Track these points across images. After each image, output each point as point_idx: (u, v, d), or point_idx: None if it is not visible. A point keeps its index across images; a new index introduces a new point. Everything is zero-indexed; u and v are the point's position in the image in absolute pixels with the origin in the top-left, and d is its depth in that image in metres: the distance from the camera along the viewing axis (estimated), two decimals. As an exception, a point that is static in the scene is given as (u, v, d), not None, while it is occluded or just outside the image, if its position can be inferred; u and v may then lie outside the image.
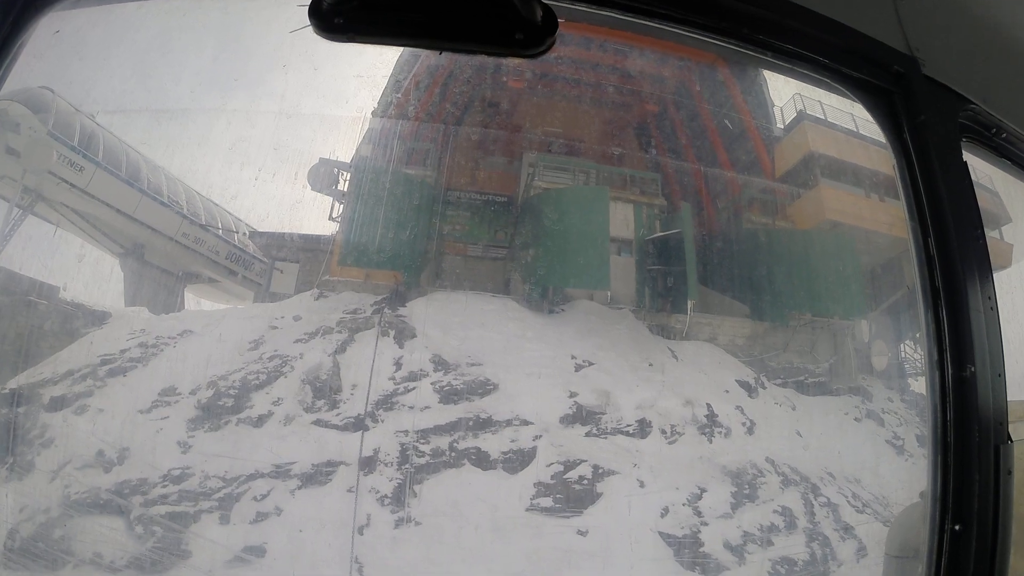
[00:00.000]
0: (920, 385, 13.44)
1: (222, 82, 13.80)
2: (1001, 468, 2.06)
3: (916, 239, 2.27)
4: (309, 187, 13.30)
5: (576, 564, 9.23)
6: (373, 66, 13.46)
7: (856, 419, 12.96)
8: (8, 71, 1.99)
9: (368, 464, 9.97)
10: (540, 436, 10.66)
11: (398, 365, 11.33)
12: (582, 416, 11.12)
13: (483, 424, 10.69)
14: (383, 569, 8.90)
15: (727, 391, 12.29)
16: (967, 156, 2.35)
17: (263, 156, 12.45)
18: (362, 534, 9.18)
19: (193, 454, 9.79)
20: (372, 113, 13.74)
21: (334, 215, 13.55)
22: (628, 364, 12.23)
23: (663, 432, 11.16)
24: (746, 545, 9.87)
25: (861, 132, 15.01)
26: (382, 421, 10.55)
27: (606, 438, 10.93)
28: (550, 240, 13.97)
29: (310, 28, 1.69)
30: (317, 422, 10.43)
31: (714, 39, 2.25)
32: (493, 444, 10.48)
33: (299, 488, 9.59)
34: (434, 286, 13.51)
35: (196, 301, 14.99)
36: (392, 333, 11.79)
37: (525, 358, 11.80)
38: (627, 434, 11.05)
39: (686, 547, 9.65)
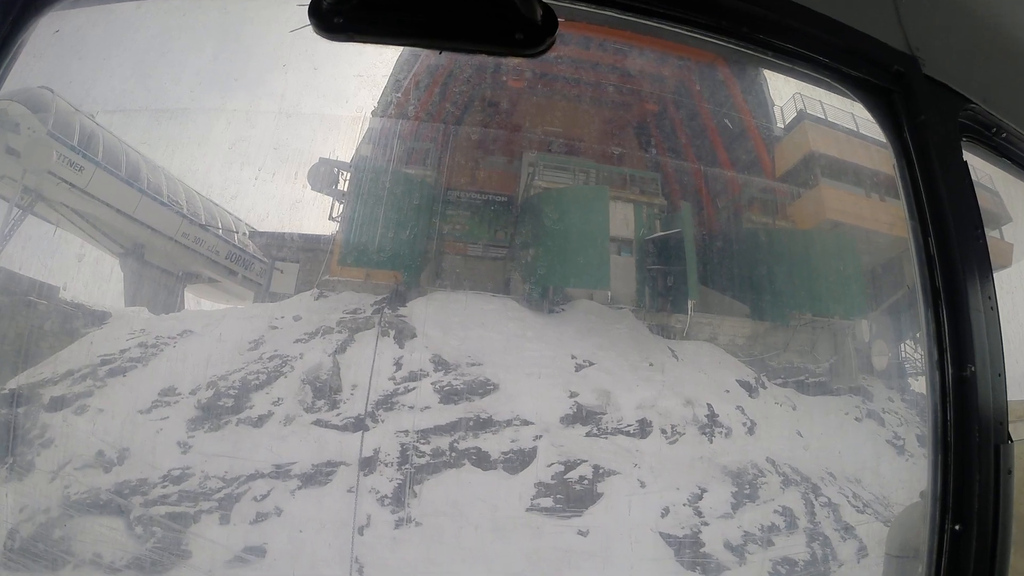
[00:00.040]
0: (920, 385, 13.45)
1: (222, 82, 13.82)
2: (1001, 468, 2.06)
3: (916, 239, 2.27)
4: (309, 187, 13.29)
5: (576, 564, 9.23)
6: (373, 65, 13.47)
7: (856, 419, 12.95)
8: (8, 71, 1.99)
9: (368, 464, 9.97)
10: (540, 436, 10.66)
11: (398, 365, 11.33)
12: (582, 416, 11.12)
13: (483, 424, 10.69)
14: (383, 569, 8.90)
15: (727, 391, 12.28)
16: (967, 156, 2.35)
17: (263, 156, 12.45)
18: (362, 534, 9.18)
19: (193, 454, 9.79)
20: (372, 113, 13.75)
21: (334, 215, 13.56)
22: (628, 364, 12.23)
23: (663, 432, 11.16)
24: (747, 545, 9.87)
25: (861, 132, 15.00)
26: (382, 421, 10.55)
27: (606, 438, 10.93)
28: (550, 240, 13.97)
29: (310, 28, 1.69)
30: (317, 422, 10.43)
31: (714, 38, 2.25)
32: (493, 444, 10.48)
33: (299, 488, 9.59)
34: (434, 286, 13.50)
35: (196, 301, 14.99)
36: (392, 333, 11.78)
37: (525, 358, 11.80)
38: (627, 434, 11.05)
39: (687, 547, 9.65)
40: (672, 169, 16.44)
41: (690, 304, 13.74)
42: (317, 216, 13.53)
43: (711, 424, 11.49)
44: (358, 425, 10.42)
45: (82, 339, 11.18)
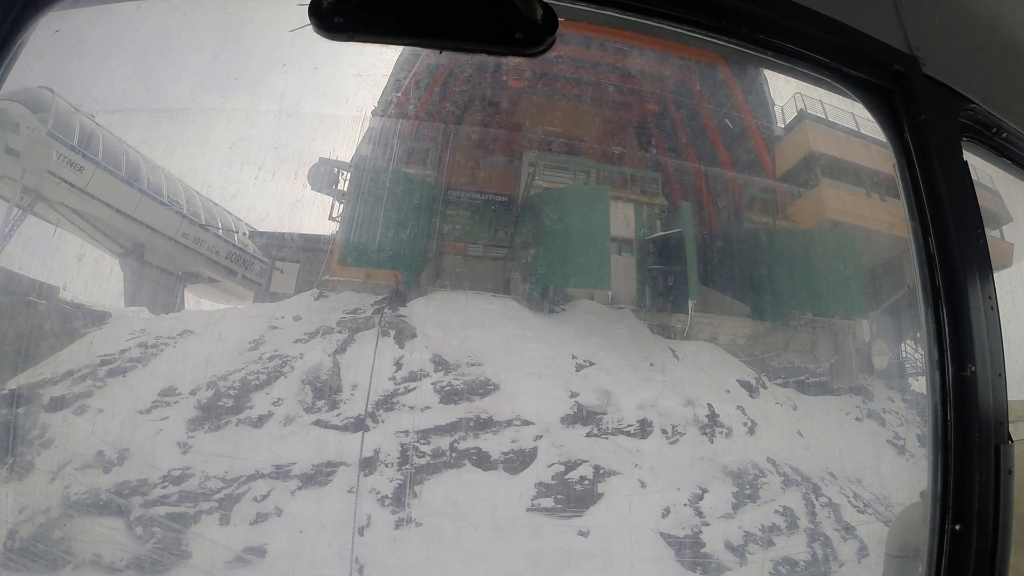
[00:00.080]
0: (921, 385, 13.44)
1: (222, 81, 13.80)
2: (1001, 468, 2.06)
3: (916, 238, 2.27)
4: (309, 186, 13.28)
5: (577, 564, 9.23)
6: (373, 65, 13.46)
7: (857, 419, 12.95)
8: (8, 71, 1.99)
9: (368, 464, 9.97)
10: (541, 436, 10.65)
11: (398, 365, 11.33)
12: (583, 416, 11.11)
13: (484, 424, 10.69)
14: (384, 569, 8.90)
15: (728, 391, 12.28)
16: (967, 155, 2.35)
17: (263, 155, 12.44)
18: (362, 535, 9.18)
19: (193, 454, 9.79)
20: (372, 112, 13.73)
21: (334, 215, 13.54)
22: (629, 364, 12.22)
23: (664, 432, 11.16)
24: (747, 545, 9.87)
25: (862, 131, 15.00)
26: (382, 421, 10.55)
27: (607, 438, 10.93)
28: (550, 239, 13.96)
29: (310, 27, 1.69)
30: (317, 422, 10.43)
31: (714, 38, 2.25)
32: (494, 444, 10.48)
33: (299, 489, 9.59)
34: (434, 286, 13.50)
35: (196, 301, 14.98)
36: (392, 333, 11.78)
37: (526, 358, 11.79)
38: (628, 434, 11.05)
39: (687, 547, 9.65)
40: (672, 169, 16.44)
41: (691, 304, 13.74)
42: (317, 216, 13.53)
43: (712, 424, 11.49)
44: (358, 425, 10.42)
45: (82, 339, 11.18)
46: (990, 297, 2.19)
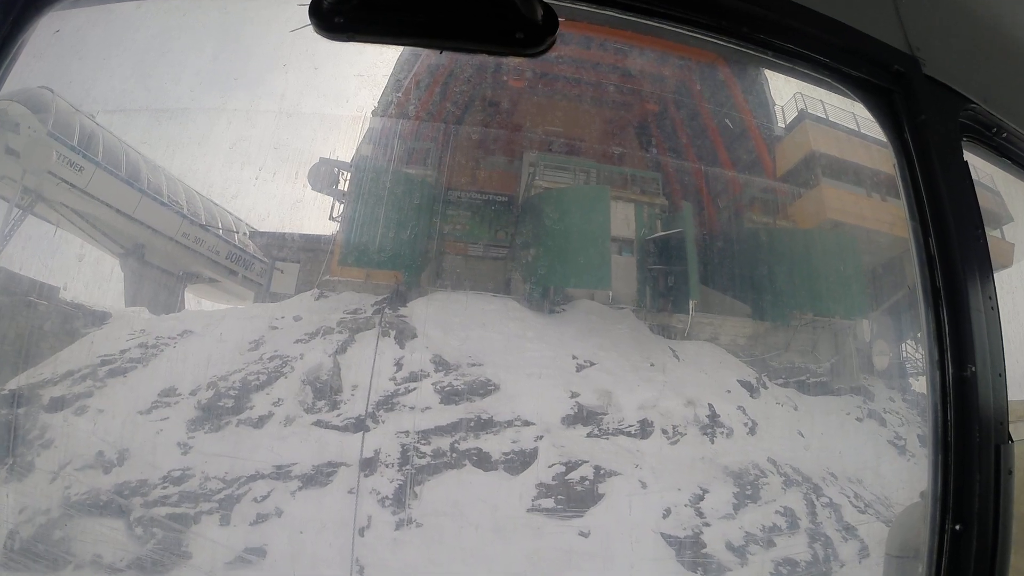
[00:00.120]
0: (921, 385, 13.44)
1: (222, 81, 13.80)
2: (1002, 468, 2.06)
3: (917, 238, 2.27)
4: (309, 187, 13.28)
5: (577, 565, 9.22)
6: (373, 65, 13.47)
7: (858, 419, 12.95)
8: (8, 71, 1.99)
9: (369, 465, 9.97)
10: (541, 437, 10.65)
11: (399, 365, 11.32)
12: (583, 416, 11.11)
13: (484, 425, 10.69)
14: (384, 570, 8.90)
15: (729, 391, 12.28)
16: (968, 155, 2.35)
17: (263, 156, 12.44)
18: (363, 535, 9.18)
19: (193, 455, 9.79)
20: (372, 112, 13.73)
21: (334, 215, 13.54)
22: (629, 364, 12.22)
23: (665, 432, 11.15)
24: (748, 546, 9.87)
25: (862, 131, 15.00)
26: (383, 422, 10.55)
27: (608, 439, 10.92)
28: (551, 240, 13.96)
29: (310, 27, 1.69)
30: (318, 423, 10.43)
31: (714, 38, 2.25)
32: (494, 445, 10.48)
33: (300, 489, 9.59)
34: (435, 286, 13.50)
35: (196, 301, 14.98)
36: (393, 333, 11.78)
37: (526, 358, 11.79)
38: (629, 434, 11.04)
39: (688, 548, 9.65)
40: (673, 169, 16.44)
41: (691, 304, 13.74)
42: (317, 216, 13.53)
43: (712, 424, 11.49)
44: (359, 426, 10.42)
45: (82, 339, 11.18)
46: (990, 297, 2.19)
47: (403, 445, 10.24)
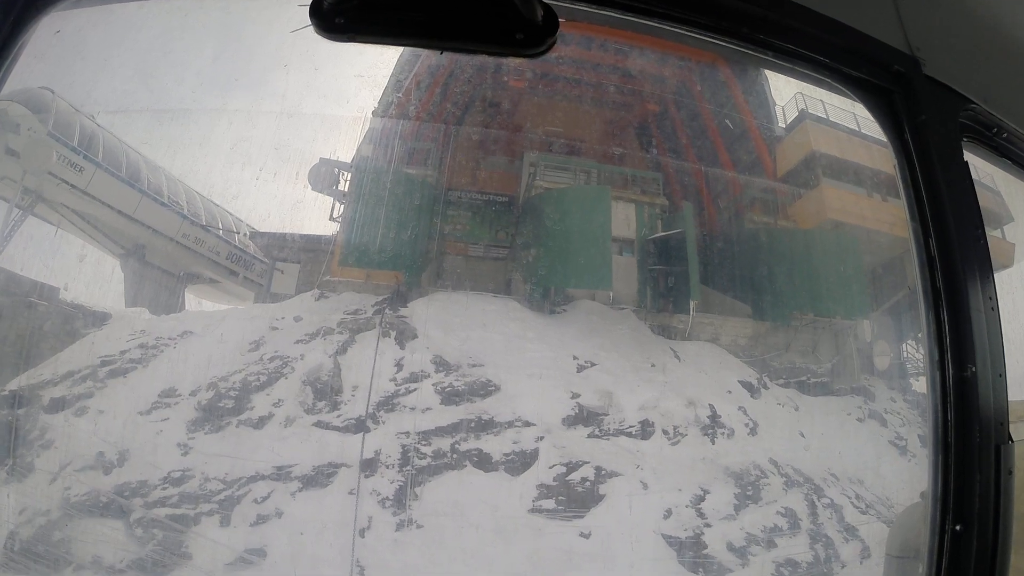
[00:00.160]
0: (921, 385, 13.42)
1: (223, 82, 13.80)
2: (1002, 468, 2.06)
3: (917, 239, 2.27)
4: (310, 187, 13.29)
5: (578, 566, 9.22)
6: (374, 66, 13.47)
7: (858, 419, 12.94)
8: (8, 71, 1.98)
9: (369, 466, 9.96)
10: (542, 437, 10.65)
11: (399, 366, 11.32)
12: (584, 417, 11.11)
13: (485, 425, 10.68)
14: (385, 571, 8.90)
15: (729, 391, 12.28)
16: (968, 156, 2.35)
17: (264, 156, 12.45)
18: (363, 536, 9.18)
19: (193, 456, 9.79)
20: (373, 113, 13.74)
21: (335, 215, 13.55)
22: (630, 365, 12.22)
23: (665, 433, 11.15)
24: (749, 546, 9.86)
25: (863, 131, 14.99)
26: (383, 422, 10.55)
27: (608, 439, 10.92)
28: (551, 240, 13.96)
29: (311, 28, 1.69)
30: (318, 423, 10.43)
31: (714, 39, 2.25)
32: (495, 445, 10.47)
33: (300, 490, 9.59)
34: (435, 286, 13.50)
35: (197, 302, 14.98)
36: (393, 334, 11.78)
37: (527, 359, 11.79)
38: (629, 435, 11.04)
39: (689, 549, 9.64)
40: (673, 169, 16.44)
41: (692, 304, 13.74)
42: (318, 217, 13.54)
43: (713, 425, 11.48)
44: (359, 426, 10.41)
45: (82, 340, 11.18)
46: (991, 297, 2.19)
47: (403, 446, 10.24)
